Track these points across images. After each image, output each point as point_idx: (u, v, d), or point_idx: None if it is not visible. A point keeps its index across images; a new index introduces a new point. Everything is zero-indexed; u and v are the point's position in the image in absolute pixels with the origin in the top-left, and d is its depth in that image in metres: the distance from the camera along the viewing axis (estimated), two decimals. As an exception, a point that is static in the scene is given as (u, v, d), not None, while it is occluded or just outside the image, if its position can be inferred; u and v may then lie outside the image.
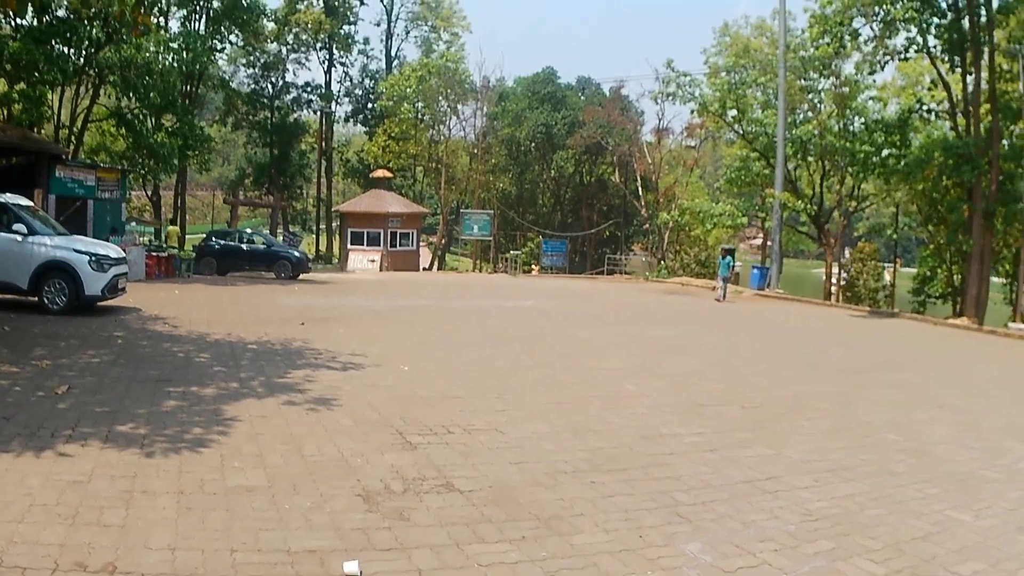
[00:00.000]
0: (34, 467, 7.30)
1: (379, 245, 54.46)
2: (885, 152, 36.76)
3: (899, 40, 34.77)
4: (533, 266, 58.36)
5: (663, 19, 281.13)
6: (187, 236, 56.06)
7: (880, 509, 7.78)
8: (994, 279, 40.66)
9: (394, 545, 6.07)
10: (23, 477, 7.01)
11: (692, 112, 54.13)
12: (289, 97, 70.95)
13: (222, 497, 6.84)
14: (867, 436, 10.81)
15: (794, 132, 42.51)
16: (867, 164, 37.21)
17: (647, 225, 63.65)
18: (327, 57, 72.48)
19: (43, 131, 37.38)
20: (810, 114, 44.81)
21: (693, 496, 7.73)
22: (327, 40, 70.50)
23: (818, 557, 6.47)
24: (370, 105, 73.38)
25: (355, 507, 6.80)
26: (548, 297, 32.46)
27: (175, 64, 38.14)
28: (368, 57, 75.70)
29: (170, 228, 41.91)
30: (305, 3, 67.15)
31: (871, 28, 34.35)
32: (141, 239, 36.47)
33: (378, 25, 77.13)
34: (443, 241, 70.25)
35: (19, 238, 18.06)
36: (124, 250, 26.26)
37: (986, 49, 32.03)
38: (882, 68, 36.74)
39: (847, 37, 34.84)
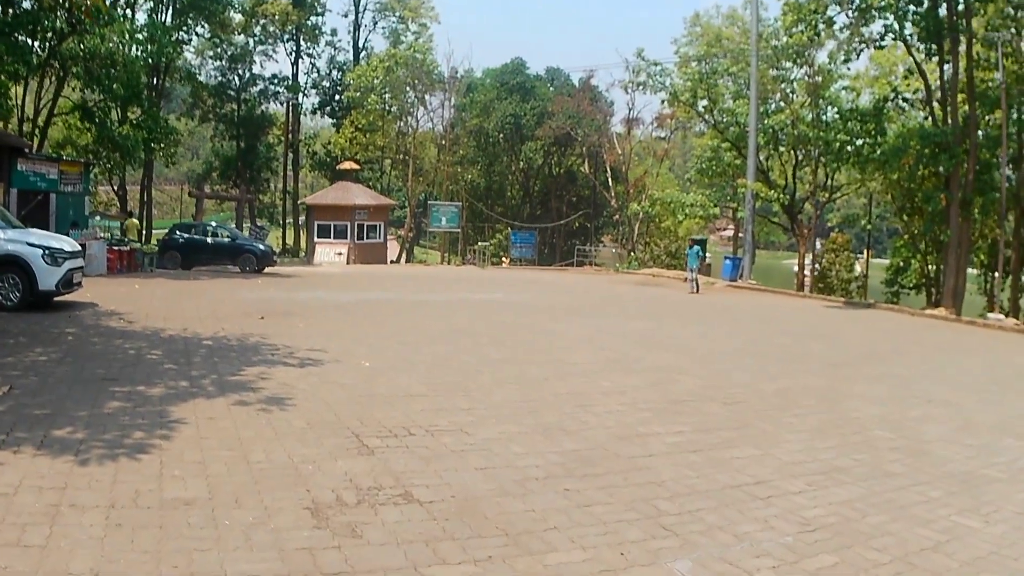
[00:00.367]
0: (-45, 479, 6.54)
1: (346, 238, 53.73)
2: (860, 141, 36.30)
3: (875, 28, 34.35)
4: (504, 258, 57.83)
5: (633, 8, 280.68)
6: (154, 230, 55.38)
7: (882, 516, 7.13)
8: (969, 270, 40.38)
9: (343, 568, 5.31)
10: (-59, 491, 6.25)
11: (663, 102, 53.87)
12: (256, 89, 70.17)
13: (156, 512, 6.08)
14: (858, 434, 10.19)
15: (766, 122, 42.07)
16: (842, 153, 36.76)
17: (617, 216, 63.32)
18: (294, 49, 71.74)
19: (9, 125, 36.56)
20: (782, 104, 44.30)
21: (678, 504, 7.01)
22: (294, 31, 69.68)
23: (823, 574, 5.77)
24: (337, 97, 72.51)
25: (302, 522, 6.03)
26: (517, 289, 31.75)
27: (140, 55, 37.32)
28: (335, 48, 74.79)
29: (129, 221, 40.97)
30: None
31: (846, 15, 33.83)
32: (104, 233, 35.63)
33: (346, 16, 76.00)
34: (411, 233, 69.53)
35: (-31, 231, 17.25)
36: (84, 244, 25.67)
37: (963, 37, 31.56)
38: (857, 56, 36.43)
39: (821, 25, 34.28)
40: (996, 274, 41.00)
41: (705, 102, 45.67)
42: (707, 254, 51.85)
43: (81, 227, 30.42)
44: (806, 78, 42.48)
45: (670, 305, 28.10)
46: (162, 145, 42.31)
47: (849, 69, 42.63)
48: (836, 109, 41.03)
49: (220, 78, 68.33)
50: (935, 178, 35.02)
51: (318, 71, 74.54)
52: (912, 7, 32.24)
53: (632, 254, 56.83)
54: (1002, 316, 29.19)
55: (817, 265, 48.01)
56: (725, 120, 45.31)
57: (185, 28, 50.96)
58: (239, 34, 65.53)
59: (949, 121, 32.53)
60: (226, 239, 38.66)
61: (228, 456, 7.53)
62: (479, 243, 58.94)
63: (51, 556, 5.24)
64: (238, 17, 62.24)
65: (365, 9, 74.28)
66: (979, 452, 9.64)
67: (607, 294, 32.01)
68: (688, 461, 8.36)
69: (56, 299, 18.70)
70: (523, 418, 9.77)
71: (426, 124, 69.75)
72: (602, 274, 48.13)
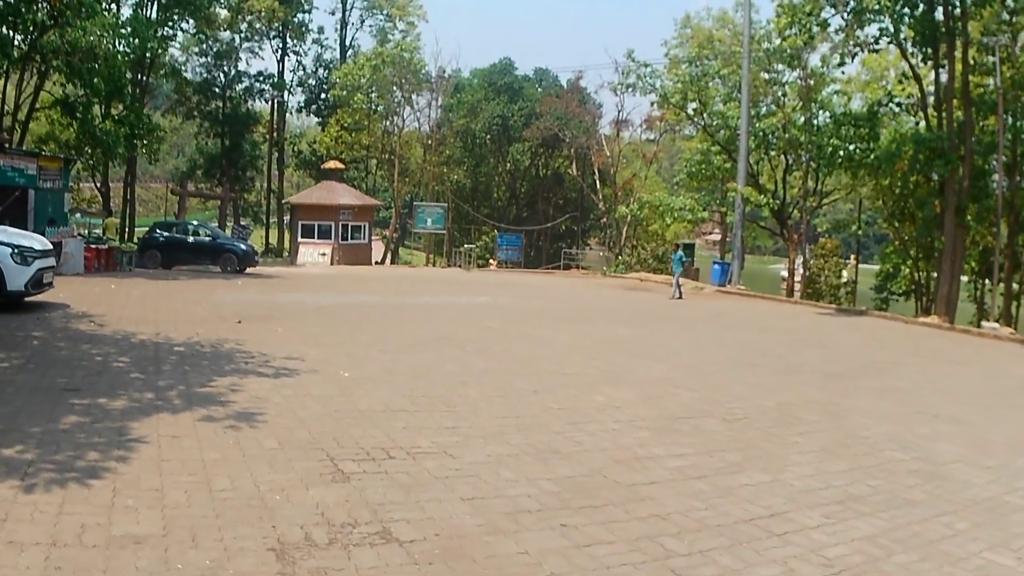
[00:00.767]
0: None
1: (330, 238, 53.01)
2: (852, 146, 35.72)
3: (870, 30, 33.79)
4: (491, 261, 57.20)
5: (623, 10, 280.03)
6: (137, 228, 54.57)
7: (910, 554, 6.47)
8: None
9: (308, 626, 4.60)
10: None
11: (652, 104, 53.35)
12: (241, 87, 69.29)
13: (102, 552, 5.35)
14: (869, 455, 9.54)
15: (757, 125, 41.51)
16: (834, 158, 36.17)
17: (604, 219, 62.73)
18: (280, 46, 70.93)
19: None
20: (773, 107, 43.73)
21: (687, 543, 6.30)
22: (281, 28, 68.89)
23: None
24: (323, 95, 71.78)
25: (265, 567, 5.30)
26: (503, 293, 31.04)
27: (123, 50, 36.59)
28: (322, 47, 73.97)
29: (107, 220, 40.17)
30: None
31: (841, 18, 33.21)
32: (80, 231, 34.92)
33: (333, 14, 75.16)
34: (396, 234, 68.79)
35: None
36: (60, 242, 24.95)
37: (960, 42, 31.00)
38: (852, 59, 35.80)
39: (816, 27, 33.66)
40: (987, 281, 40.73)
41: (695, 104, 45.08)
42: (694, 259, 51.43)
43: (59, 224, 29.78)
44: (798, 81, 41.90)
45: (659, 311, 27.44)
46: (145, 142, 41.45)
47: (843, 73, 42.08)
48: (828, 113, 40.52)
49: (205, 75, 67.45)
50: (929, 184, 34.50)
51: (304, 69, 73.83)
52: (908, 10, 31.67)
53: (619, 258, 56.22)
54: (996, 325, 28.63)
55: (806, 270, 47.55)
56: (715, 123, 44.72)
57: (170, 24, 50.14)
58: (225, 30, 64.66)
59: (944, 126, 31.93)
60: (207, 238, 37.90)
61: (189, 482, 6.78)
62: (465, 245, 58.28)
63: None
64: (224, 13, 61.40)
65: (352, 7, 73.68)
66: (998, 475, 9.04)
67: (595, 299, 31.35)
68: (694, 489, 7.66)
69: (27, 299, 17.90)
70: (512, 437, 9.05)
71: (412, 124, 69.24)
72: (589, 278, 47.51)
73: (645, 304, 30.04)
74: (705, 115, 44.99)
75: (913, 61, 34.13)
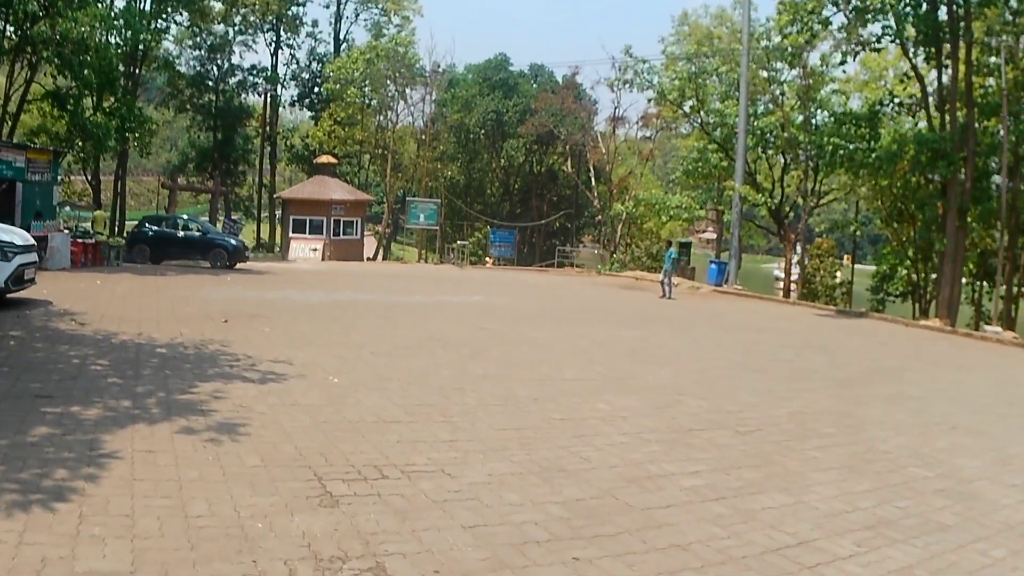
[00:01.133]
0: None
1: (322, 233, 52.27)
2: (852, 146, 35.19)
3: (873, 29, 33.25)
4: (487, 258, 56.64)
5: (619, 7, 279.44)
6: (128, 222, 53.91)
7: (952, 589, 5.87)
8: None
9: None
10: None
11: (649, 101, 52.81)
12: (235, 80, 68.48)
13: (60, 592, 4.74)
14: (892, 472, 8.99)
15: (755, 123, 41.00)
16: (834, 157, 35.65)
17: (599, 217, 62.18)
18: (274, 39, 70.07)
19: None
20: (771, 106, 43.19)
21: (713, 579, 5.71)
22: (275, 22, 68.10)
23: None
24: (317, 89, 71.13)
25: (242, 610, 4.69)
26: (498, 292, 30.45)
27: (115, 42, 35.98)
28: (316, 40, 73.23)
29: (96, 213, 39.44)
30: (253, -18, 64.68)
31: (844, 15, 32.66)
32: (70, 224, 34.33)
33: (327, 7, 74.23)
34: (388, 230, 68.13)
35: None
36: (46, 236, 24.36)
37: (963, 41, 30.49)
38: (854, 58, 35.25)
39: (817, 25, 33.13)
40: (985, 284, 40.37)
41: (692, 102, 44.59)
42: (690, 257, 50.93)
43: (46, 218, 29.11)
44: (798, 80, 41.36)
45: (658, 311, 26.88)
46: (136, 134, 40.79)
47: (844, 72, 41.56)
48: (827, 112, 40.05)
49: (199, 68, 66.64)
50: (931, 185, 34.03)
51: (298, 62, 73.08)
52: (911, 9, 31.18)
53: (614, 256, 55.69)
54: (999, 329, 28.18)
55: (803, 270, 47.05)
56: (713, 121, 44.22)
57: (164, 16, 49.40)
58: (219, 23, 63.85)
59: (947, 127, 31.42)
60: (197, 233, 37.35)
61: (163, 507, 6.14)
62: (458, 241, 57.66)
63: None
64: (218, 6, 60.66)
65: (347, 0, 72.94)
66: (1025, 495, 8.49)
67: (591, 298, 30.79)
68: (713, 514, 7.06)
69: (7, 296, 17.27)
70: (514, 453, 8.43)
71: (406, 119, 68.36)
72: (584, 276, 46.97)
73: (642, 304, 29.50)
74: (702, 112, 44.49)
75: (915, 61, 33.66)
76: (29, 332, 13.98)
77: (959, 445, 10.55)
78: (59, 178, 35.54)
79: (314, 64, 72.69)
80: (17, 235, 17.85)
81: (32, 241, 18.45)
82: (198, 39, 64.61)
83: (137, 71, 51.52)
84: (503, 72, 70.02)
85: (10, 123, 37.52)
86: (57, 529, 5.60)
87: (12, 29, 33.35)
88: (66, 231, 31.01)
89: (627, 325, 21.95)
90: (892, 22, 31.77)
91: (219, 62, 67.21)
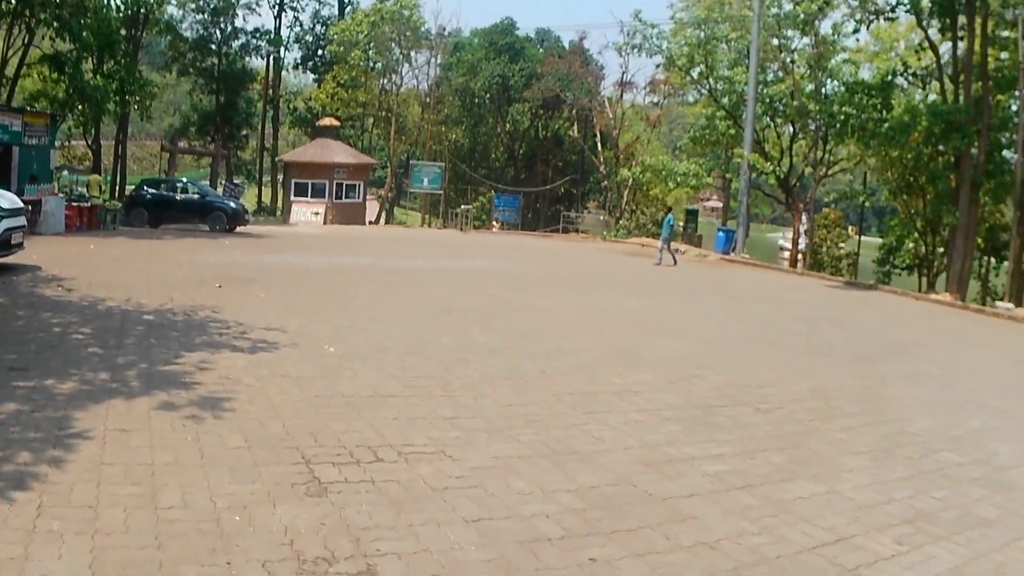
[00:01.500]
0: None
1: (324, 197, 51.50)
2: (864, 116, 34.43)
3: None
4: (493, 223, 55.98)
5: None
6: (128, 187, 53.30)
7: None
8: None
9: None
10: None
11: (657, 67, 51.94)
12: (238, 43, 67.57)
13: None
14: (925, 456, 8.43)
15: (765, 91, 40.20)
16: (845, 127, 34.88)
17: (605, 182, 61.41)
18: (278, 2, 68.98)
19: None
20: (781, 74, 42.35)
21: (748, 586, 5.08)
22: (279, -17, 67.02)
23: None
24: (320, 52, 70.29)
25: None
26: (501, 257, 29.75)
27: (115, 4, 35.26)
28: (320, 3, 72.27)
29: (91, 177, 38.77)
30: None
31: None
32: (70, 188, 33.73)
33: (333, -32, 73.22)
34: (391, 194, 67.39)
35: None
36: (40, 200, 23.79)
37: (980, 13, 29.71)
38: (868, 27, 34.53)
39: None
40: (992, 259, 39.86)
41: (701, 68, 43.74)
42: (697, 225, 50.27)
43: (40, 181, 28.55)
44: (808, 48, 40.53)
45: (665, 279, 26.16)
46: (137, 98, 40.06)
47: (858, 40, 40.79)
48: (837, 82, 39.28)
49: (202, 31, 65.75)
50: (943, 157, 33.35)
51: (301, 25, 72.14)
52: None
53: (619, 222, 54.97)
54: (1011, 305, 27.58)
55: (808, 240, 46.44)
56: (722, 88, 43.37)
57: (166, -22, 48.59)
58: (223, -15, 63.12)
59: (962, 99, 30.70)
60: (196, 196, 36.59)
61: (131, 496, 5.50)
62: (462, 206, 56.95)
63: None
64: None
65: (353, -38, 71.90)
66: (1066, 483, 7.93)
67: (597, 265, 30.13)
68: (741, 505, 6.42)
69: (-3, 260, 16.69)
70: (521, 432, 7.80)
71: (411, 82, 67.46)
72: (589, 242, 46.28)
73: (648, 271, 28.81)
74: (711, 79, 43.65)
75: (931, 31, 32.95)
76: (12, 299, 13.38)
77: (989, 427, 10.00)
78: (56, 142, 34.94)
79: (318, 27, 71.78)
80: (4, 198, 17.21)
81: (20, 204, 17.85)
82: (201, 2, 63.63)
83: (139, 34, 50.69)
84: (509, 36, 69.07)
85: (8, 87, 36.84)
86: (12, 523, 5.00)
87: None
88: (61, 195, 30.39)
89: (634, 293, 21.25)
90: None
91: (222, 25, 66.21)
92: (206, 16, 65.02)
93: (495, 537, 5.35)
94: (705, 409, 9.36)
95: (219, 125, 64.49)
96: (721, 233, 42.19)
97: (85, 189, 35.12)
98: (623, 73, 77.11)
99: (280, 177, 65.50)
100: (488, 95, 66.97)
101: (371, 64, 63.31)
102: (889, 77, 35.56)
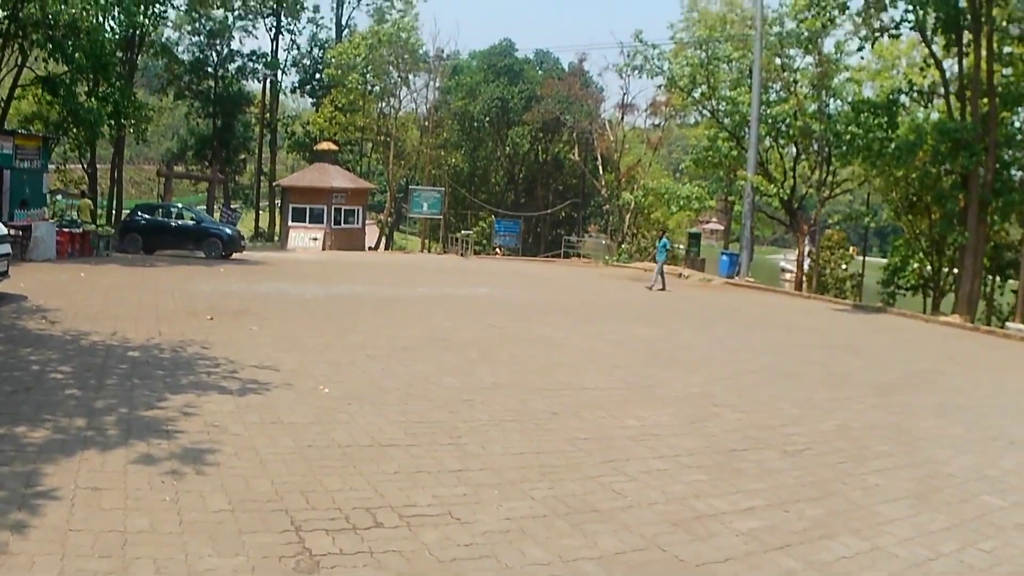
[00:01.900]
0: None
1: (322, 222, 50.92)
2: (870, 135, 33.96)
3: (894, 14, 32.10)
4: (496, 249, 55.50)
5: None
6: (124, 211, 52.86)
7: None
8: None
9: None
10: None
11: (659, 88, 51.61)
12: (234, 66, 67.24)
13: None
14: (965, 502, 7.85)
15: (768, 112, 39.75)
16: (851, 147, 34.38)
17: (607, 206, 61.03)
18: (274, 24, 68.71)
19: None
20: (783, 94, 41.93)
21: None
22: (275, 6, 66.81)
23: None
24: (318, 75, 70.00)
25: None
26: (504, 283, 29.17)
27: (110, 25, 34.90)
28: (317, 26, 71.90)
29: (81, 202, 38.26)
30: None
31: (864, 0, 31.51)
32: (62, 213, 33.26)
33: (329, -8, 73.18)
34: (391, 219, 66.96)
35: None
36: (30, 226, 23.31)
37: (985, 28, 29.28)
38: (872, 45, 34.09)
39: (835, 11, 31.99)
40: (996, 278, 39.36)
41: (703, 88, 43.33)
42: (699, 249, 49.74)
43: (32, 206, 28.11)
44: (812, 67, 40.12)
45: (673, 306, 25.57)
46: (132, 121, 39.60)
47: (863, 59, 40.42)
48: (840, 101, 38.88)
49: (198, 53, 65.50)
50: (950, 176, 32.84)
51: (299, 48, 71.80)
52: (931, -6, 30.03)
53: (621, 246, 54.50)
54: (1022, 326, 26.97)
55: (816, 263, 45.96)
56: (724, 108, 42.93)
57: (161, 0, 48.16)
58: (218, 8, 62.73)
59: (970, 117, 30.22)
60: (191, 222, 36.09)
61: (98, 573, 4.86)
62: (462, 231, 56.49)
63: None
64: (218, -9, 59.71)
65: (350, -15, 71.77)
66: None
67: (601, 291, 29.54)
68: (781, 569, 5.78)
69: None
70: (535, 486, 7.16)
71: (409, 105, 67.21)
72: (591, 267, 45.75)
73: (655, 297, 28.22)
74: (713, 100, 43.22)
75: (935, 48, 32.53)
76: (-7, 332, 12.76)
77: (1022, 466, 9.40)
78: (49, 166, 34.46)
79: (315, 50, 71.41)
80: (-10, 227, 16.69)
81: (4, 231, 17.25)
82: (197, 24, 63.44)
83: (135, 56, 50.33)
84: (508, 58, 68.84)
85: (2, 109, 36.40)
86: (-40, 606, 4.35)
87: (2, 13, 32.19)
88: (52, 220, 29.83)
89: (643, 322, 20.62)
90: (912, 7, 30.56)
91: (218, 48, 66.02)
92: (202, 38, 64.94)
93: (511, 623, 4.70)
94: (729, 454, 8.73)
95: (216, 149, 64.19)
96: (725, 257, 41.82)
97: (76, 214, 34.66)
98: (624, 95, 76.74)
99: (278, 202, 65.07)
100: (487, 118, 66.82)
101: (369, 88, 63.19)
102: (894, 95, 35.09)
